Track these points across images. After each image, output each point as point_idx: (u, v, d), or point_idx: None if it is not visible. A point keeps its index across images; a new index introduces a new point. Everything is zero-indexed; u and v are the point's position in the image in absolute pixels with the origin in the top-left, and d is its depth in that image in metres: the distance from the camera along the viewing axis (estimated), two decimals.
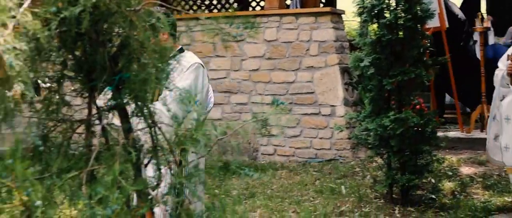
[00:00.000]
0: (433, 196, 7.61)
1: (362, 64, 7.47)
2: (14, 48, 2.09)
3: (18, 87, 2.33)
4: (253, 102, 10.46)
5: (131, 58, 2.57)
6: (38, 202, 1.79)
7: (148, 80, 2.49)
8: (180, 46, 4.85)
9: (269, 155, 10.45)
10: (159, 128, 2.69)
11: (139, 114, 2.68)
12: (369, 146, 7.83)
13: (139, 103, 2.65)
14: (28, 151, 2.53)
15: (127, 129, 2.66)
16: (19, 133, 2.62)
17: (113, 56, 2.63)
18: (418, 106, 7.55)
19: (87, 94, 2.74)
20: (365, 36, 7.53)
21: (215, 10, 16.46)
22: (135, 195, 2.40)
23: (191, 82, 4.57)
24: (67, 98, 2.77)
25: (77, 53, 2.68)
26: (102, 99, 2.72)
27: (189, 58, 4.75)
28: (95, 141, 2.69)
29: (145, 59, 2.54)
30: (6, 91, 2.45)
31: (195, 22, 8.73)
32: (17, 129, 2.55)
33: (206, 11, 16.17)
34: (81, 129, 2.74)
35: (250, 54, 10.52)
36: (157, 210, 2.46)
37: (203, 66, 4.85)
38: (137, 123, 2.71)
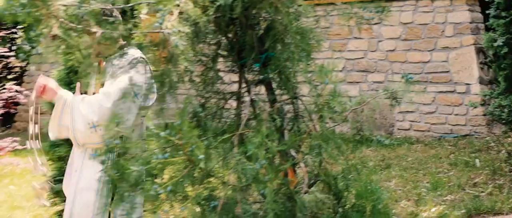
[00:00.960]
0: None
1: (495, 44, 7.35)
2: (179, 31, 2.37)
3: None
4: (389, 80, 10.49)
5: (276, 39, 2.80)
6: (201, 156, 2.05)
7: (291, 58, 2.70)
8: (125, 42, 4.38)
9: (405, 130, 10.45)
10: (300, 99, 2.91)
11: (283, 87, 2.91)
12: (504, 122, 7.69)
13: (282, 77, 2.88)
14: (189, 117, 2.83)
15: (272, 100, 2.91)
16: (177, 107, 2.94)
17: (260, 38, 2.87)
18: None
19: (237, 71, 3.01)
20: (499, 18, 7.39)
21: None
22: None
23: (133, 76, 3.86)
24: (221, 74, 3.05)
25: (229, 35, 2.95)
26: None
27: (133, 53, 4.02)
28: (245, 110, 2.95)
29: (288, 39, 2.76)
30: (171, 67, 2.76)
31: (332, 7, 9.02)
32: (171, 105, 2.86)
33: None
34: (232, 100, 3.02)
35: (386, 36, 10.54)
36: None
37: (146, 62, 4.04)
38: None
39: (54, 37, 2.41)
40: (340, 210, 2.67)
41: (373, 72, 10.79)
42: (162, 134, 2.12)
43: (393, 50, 10.60)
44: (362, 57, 10.88)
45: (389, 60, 10.64)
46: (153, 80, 3.86)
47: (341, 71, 10.63)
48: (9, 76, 15.03)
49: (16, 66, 14.61)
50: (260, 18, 2.90)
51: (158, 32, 2.54)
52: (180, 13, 2.45)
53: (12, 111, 11.21)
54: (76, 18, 2.43)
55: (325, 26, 9.60)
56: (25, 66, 15.75)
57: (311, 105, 2.81)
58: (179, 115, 2.20)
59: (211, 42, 3.01)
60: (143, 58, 3.90)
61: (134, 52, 3.99)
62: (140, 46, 2.75)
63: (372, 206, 2.58)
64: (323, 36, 2.85)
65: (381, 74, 10.72)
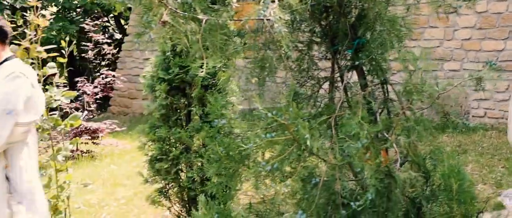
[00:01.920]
0: None
1: None
2: (280, 18, 2.37)
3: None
4: (464, 69, 10.21)
5: (368, 26, 2.77)
6: (307, 135, 2.06)
7: (385, 45, 2.67)
8: (10, 54, 4.06)
9: (479, 117, 10.18)
10: (390, 84, 2.87)
11: (373, 72, 2.88)
12: None
13: (373, 63, 2.85)
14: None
15: (363, 85, 2.88)
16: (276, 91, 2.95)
17: (352, 25, 2.85)
18: None
19: (330, 57, 2.99)
20: None
21: None
22: None
23: (7, 91, 3.86)
24: (314, 60, 3.04)
25: (323, 23, 2.94)
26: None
27: (13, 66, 3.98)
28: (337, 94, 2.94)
29: (379, 27, 2.73)
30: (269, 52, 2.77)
31: None
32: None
33: None
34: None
35: (462, 25, 10.26)
36: None
37: (26, 76, 3.97)
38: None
39: (164, 23, 2.45)
40: (429, 188, 2.64)
41: (449, 60, 10.54)
42: (270, 114, 2.13)
43: (468, 39, 10.32)
44: (438, 46, 10.63)
45: (464, 48, 10.37)
46: (33, 95, 3.89)
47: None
48: (103, 63, 15.44)
49: (109, 53, 14.98)
50: (353, 6, 2.87)
51: (260, 19, 2.56)
52: (280, 0, 2.45)
53: (110, 95, 11.52)
54: (184, 6, 2.47)
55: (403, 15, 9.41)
56: (117, 53, 16.16)
57: (401, 89, 2.78)
58: (285, 97, 2.22)
59: (305, 30, 3.00)
60: (22, 73, 3.89)
61: (14, 65, 3.95)
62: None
63: (458, 186, 2.54)
64: (413, 25, 2.80)
65: (457, 63, 10.46)
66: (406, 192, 2.39)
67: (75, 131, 9.37)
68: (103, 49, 15.01)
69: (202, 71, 2.32)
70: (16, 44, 4.52)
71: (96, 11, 18.29)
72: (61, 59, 4.97)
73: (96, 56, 15.07)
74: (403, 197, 2.33)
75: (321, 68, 2.97)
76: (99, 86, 10.60)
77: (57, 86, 5.03)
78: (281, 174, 2.38)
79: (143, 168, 5.99)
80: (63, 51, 5.06)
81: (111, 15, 20.08)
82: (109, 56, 15.35)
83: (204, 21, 2.47)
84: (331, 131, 2.56)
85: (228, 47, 2.55)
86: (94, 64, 15.64)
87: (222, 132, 4.59)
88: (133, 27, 16.99)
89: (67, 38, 5.20)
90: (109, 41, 10.82)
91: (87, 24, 11.68)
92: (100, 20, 16.05)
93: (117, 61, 16.59)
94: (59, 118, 5.08)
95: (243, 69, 2.81)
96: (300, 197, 2.43)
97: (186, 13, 2.45)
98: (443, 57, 10.58)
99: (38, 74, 4.64)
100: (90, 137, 9.75)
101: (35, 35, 4.57)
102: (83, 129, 9.53)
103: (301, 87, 3.00)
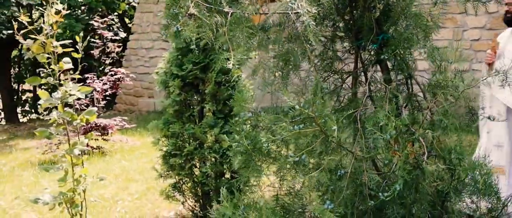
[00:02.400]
0: None
1: None
2: (308, 11, 2.39)
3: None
4: (473, 69, 10.21)
5: (393, 21, 2.78)
6: (334, 127, 2.07)
7: (411, 39, 2.67)
8: None
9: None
10: (415, 78, 2.88)
11: (398, 67, 2.89)
12: None
13: (398, 58, 2.86)
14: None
15: (388, 79, 2.89)
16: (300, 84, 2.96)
17: (377, 20, 2.85)
18: None
19: (354, 51, 3.00)
20: None
21: None
22: None
23: None
24: (339, 54, 3.05)
25: (347, 17, 2.95)
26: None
27: None
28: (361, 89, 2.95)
29: (404, 22, 2.73)
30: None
31: None
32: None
33: None
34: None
35: (471, 25, 10.26)
36: None
37: None
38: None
39: (191, 16, 2.47)
40: (455, 181, 2.65)
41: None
42: (297, 106, 2.14)
43: (477, 40, 10.31)
44: (446, 47, 10.62)
45: (474, 49, 10.36)
46: None
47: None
48: (107, 61, 15.51)
49: (113, 51, 15.04)
50: (377, 1, 2.87)
51: (286, 12, 2.57)
52: None
53: (119, 92, 11.57)
54: None
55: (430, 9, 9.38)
56: (121, 51, 16.21)
57: (426, 84, 2.79)
58: (312, 90, 2.23)
59: (328, 25, 3.01)
60: None
61: None
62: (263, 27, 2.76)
63: (483, 180, 2.55)
64: (440, 20, 2.81)
65: (466, 63, 10.46)
66: (433, 184, 2.40)
67: (85, 127, 9.41)
68: (108, 47, 15.06)
69: (230, 63, 2.33)
70: (32, 39, 4.54)
71: (100, 10, 18.36)
72: (75, 55, 4.98)
73: (100, 54, 15.11)
74: (430, 189, 2.34)
75: (344, 62, 2.97)
76: (108, 83, 10.63)
77: (72, 81, 5.04)
78: (306, 167, 2.39)
79: (154, 163, 6.02)
80: (77, 46, 5.07)
81: (116, 13, 20.15)
82: (114, 54, 15.42)
83: (229, 14, 2.49)
84: (355, 124, 2.57)
85: (253, 40, 2.57)
86: (100, 62, 15.70)
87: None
88: (138, 25, 17.04)
89: (81, 34, 5.22)
90: (117, 37, 10.83)
91: (96, 21, 11.73)
92: (104, 18, 16.10)
93: (122, 59, 16.64)
94: (74, 113, 5.09)
95: (267, 63, 2.82)
96: (325, 189, 2.44)
97: (212, 6, 2.47)
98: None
99: (53, 69, 4.66)
100: (100, 133, 9.80)
101: (51, 30, 4.58)
102: (93, 125, 9.58)
103: (324, 81, 3.01)
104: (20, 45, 19.94)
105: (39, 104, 5.07)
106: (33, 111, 20.91)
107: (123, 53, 16.38)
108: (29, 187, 8.35)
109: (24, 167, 9.86)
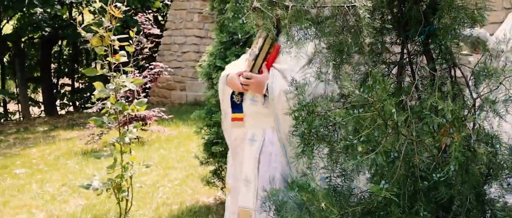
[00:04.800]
0: None
1: None
2: (364, 4, 2.47)
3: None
4: None
5: (440, 13, 2.84)
6: (393, 110, 2.15)
7: (456, 31, 2.73)
8: None
9: None
10: (460, 68, 2.94)
11: (442, 57, 2.95)
12: None
13: (443, 48, 2.92)
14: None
15: (432, 69, 2.95)
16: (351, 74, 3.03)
17: (424, 12, 2.92)
18: None
19: (400, 43, 3.06)
20: None
21: None
22: None
23: None
24: (386, 45, 3.11)
25: (394, 10, 3.01)
26: None
27: None
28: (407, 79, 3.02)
29: (451, 13, 2.79)
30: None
31: None
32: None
33: None
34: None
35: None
36: None
37: None
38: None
39: (254, 9, 2.56)
40: (496, 164, 2.70)
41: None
42: (357, 92, 2.23)
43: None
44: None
45: None
46: None
47: None
48: (140, 56, 15.68)
49: (146, 47, 15.19)
50: None
51: (340, 6, 2.65)
52: None
53: (151, 85, 11.72)
54: None
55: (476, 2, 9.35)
56: (154, 47, 16.39)
57: (470, 73, 2.84)
58: (372, 75, 2.31)
59: (376, 17, 3.07)
60: None
61: None
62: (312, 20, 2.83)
63: None
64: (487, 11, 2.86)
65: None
66: (481, 166, 2.47)
67: (125, 118, 9.58)
68: (142, 42, 15.22)
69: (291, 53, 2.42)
70: (93, 32, 4.68)
71: (133, 7, 18.56)
72: (129, 48, 5.13)
73: (136, 49, 15.28)
74: (478, 170, 2.41)
75: (393, 53, 3.04)
76: (149, 76, 10.79)
77: (126, 73, 5.19)
78: (355, 150, 2.47)
79: (192, 152, 6.15)
80: (130, 41, 5.22)
81: (150, 11, 20.35)
82: (147, 50, 15.58)
83: (290, 7, 2.57)
84: (403, 110, 2.64)
85: (311, 32, 2.65)
86: (134, 56, 15.88)
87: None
88: (171, 22, 17.21)
89: (135, 29, 5.37)
90: (158, 32, 10.97)
91: (139, 17, 11.89)
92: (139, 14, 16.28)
93: (155, 54, 16.83)
94: (126, 103, 5.24)
95: (320, 53, 2.90)
96: (375, 171, 2.52)
97: (274, 0, 2.56)
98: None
99: (110, 62, 4.81)
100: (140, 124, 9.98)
101: (110, 24, 4.73)
102: (133, 116, 9.74)
103: (373, 70, 3.08)
104: (60, 41, 20.25)
105: (93, 94, 5.23)
106: (71, 103, 21.22)
107: (155, 49, 16.56)
108: (74, 175, 8.53)
109: (68, 156, 10.07)
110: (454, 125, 2.19)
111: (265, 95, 3.61)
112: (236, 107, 3.86)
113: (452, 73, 2.97)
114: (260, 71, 3.71)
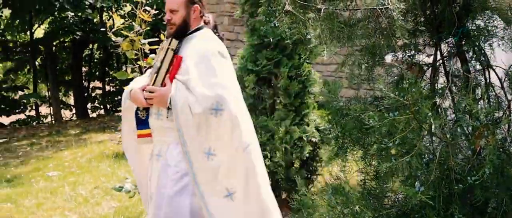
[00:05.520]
0: None
1: None
2: (397, 7, 2.47)
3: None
4: None
5: (473, 15, 2.83)
6: (429, 113, 2.16)
7: (490, 32, 2.73)
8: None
9: None
10: (493, 70, 2.93)
11: (476, 59, 2.94)
12: None
13: (476, 50, 2.91)
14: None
15: (467, 70, 2.94)
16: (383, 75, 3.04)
17: (457, 14, 2.91)
18: None
19: (433, 44, 3.06)
20: None
21: None
22: None
23: None
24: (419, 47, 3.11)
25: (427, 12, 3.02)
26: None
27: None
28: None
29: (486, 15, 2.79)
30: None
31: None
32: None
33: None
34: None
35: None
36: None
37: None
38: None
39: (287, 12, 2.59)
40: None
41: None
42: (392, 94, 2.24)
43: None
44: None
45: None
46: None
47: None
48: None
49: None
50: None
51: (373, 8, 2.67)
52: None
53: None
54: None
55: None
56: None
57: (504, 74, 2.83)
58: (408, 79, 2.32)
59: (408, 19, 3.07)
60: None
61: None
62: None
63: None
64: None
65: None
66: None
67: None
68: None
69: (324, 56, 2.44)
70: (123, 36, 4.76)
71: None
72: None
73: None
74: None
75: (426, 54, 3.04)
76: None
77: None
78: (388, 153, 2.48)
79: None
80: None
81: None
82: None
83: (322, 10, 2.60)
84: (437, 112, 2.65)
85: (343, 35, 2.67)
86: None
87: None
88: None
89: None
90: None
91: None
92: None
93: None
94: None
95: (353, 56, 2.92)
96: (408, 174, 2.53)
97: (306, 4, 2.58)
98: None
99: (140, 65, 4.88)
100: None
101: (140, 28, 4.80)
102: None
103: (404, 72, 3.08)
104: (91, 44, 20.52)
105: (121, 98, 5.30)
106: (102, 106, 21.46)
107: None
108: (106, 177, 8.63)
109: (100, 159, 10.18)
110: (488, 127, 2.19)
111: (169, 108, 3.55)
112: (142, 123, 3.77)
113: (486, 75, 2.96)
114: (163, 85, 3.63)
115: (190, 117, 3.48)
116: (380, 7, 2.64)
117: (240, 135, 3.52)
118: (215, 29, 3.87)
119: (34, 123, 18.71)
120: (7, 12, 18.19)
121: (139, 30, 4.79)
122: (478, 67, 2.95)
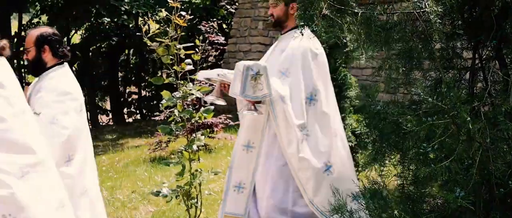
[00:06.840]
0: None
1: None
2: (435, 10, 2.47)
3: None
4: None
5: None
6: (468, 118, 2.15)
7: None
8: None
9: None
10: None
11: None
12: None
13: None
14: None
15: (505, 74, 2.91)
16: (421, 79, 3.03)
17: (495, 17, 2.88)
18: None
19: (471, 48, 3.04)
20: None
21: None
22: None
23: None
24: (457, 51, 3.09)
25: (465, 15, 2.99)
26: None
27: None
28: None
29: None
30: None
31: None
32: None
33: None
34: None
35: None
36: None
37: None
38: None
39: (324, 16, 2.60)
40: None
41: None
42: (430, 99, 2.23)
43: None
44: None
45: None
46: None
47: None
48: (204, 64, 15.95)
49: (211, 55, 15.37)
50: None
51: (410, 12, 2.66)
52: None
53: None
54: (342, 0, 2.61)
55: None
56: (218, 55, 16.59)
57: None
58: (446, 83, 2.31)
59: (446, 23, 3.05)
60: None
61: None
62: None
63: None
64: None
65: None
66: None
67: (192, 126, 9.73)
68: (206, 50, 15.46)
69: (362, 59, 2.45)
70: (158, 41, 4.84)
71: (198, 16, 18.85)
72: (196, 57, 5.24)
73: (201, 57, 15.51)
74: None
75: (464, 58, 3.01)
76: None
77: (192, 81, 5.30)
78: (427, 157, 2.47)
79: None
80: (196, 49, 5.33)
81: (214, 19, 20.60)
82: (212, 58, 15.77)
83: (359, 14, 2.60)
84: (476, 117, 2.62)
85: (380, 39, 2.67)
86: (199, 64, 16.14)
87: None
88: (236, 30, 17.40)
89: (201, 37, 5.50)
90: (222, 40, 11.09)
91: (203, 25, 12.08)
92: (203, 22, 16.58)
93: (220, 62, 17.03)
94: (193, 111, 5.37)
95: (390, 60, 2.91)
96: (447, 178, 2.51)
97: (343, 7, 2.59)
98: None
99: (176, 70, 4.95)
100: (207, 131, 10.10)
101: (175, 33, 4.86)
102: (200, 123, 9.87)
103: (444, 75, 3.06)
104: (126, 50, 20.79)
105: (161, 103, 5.38)
106: (138, 111, 21.68)
107: (220, 57, 16.77)
108: (144, 182, 8.71)
109: (137, 164, 10.28)
110: None
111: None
112: None
113: None
114: None
115: None
116: (417, 11, 2.63)
117: None
118: None
119: None
120: (44, 18, 18.54)
121: (174, 36, 4.85)
122: None
